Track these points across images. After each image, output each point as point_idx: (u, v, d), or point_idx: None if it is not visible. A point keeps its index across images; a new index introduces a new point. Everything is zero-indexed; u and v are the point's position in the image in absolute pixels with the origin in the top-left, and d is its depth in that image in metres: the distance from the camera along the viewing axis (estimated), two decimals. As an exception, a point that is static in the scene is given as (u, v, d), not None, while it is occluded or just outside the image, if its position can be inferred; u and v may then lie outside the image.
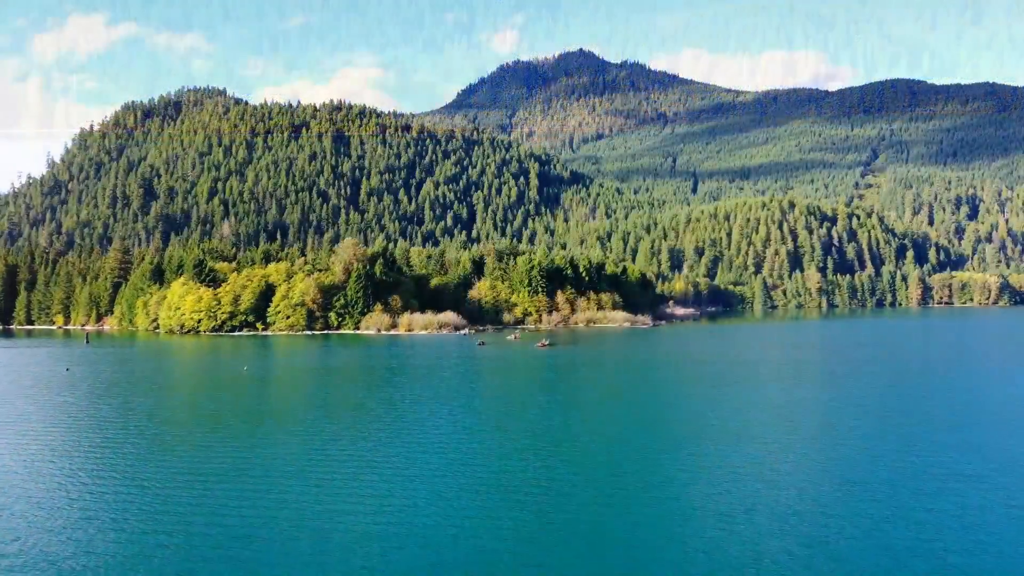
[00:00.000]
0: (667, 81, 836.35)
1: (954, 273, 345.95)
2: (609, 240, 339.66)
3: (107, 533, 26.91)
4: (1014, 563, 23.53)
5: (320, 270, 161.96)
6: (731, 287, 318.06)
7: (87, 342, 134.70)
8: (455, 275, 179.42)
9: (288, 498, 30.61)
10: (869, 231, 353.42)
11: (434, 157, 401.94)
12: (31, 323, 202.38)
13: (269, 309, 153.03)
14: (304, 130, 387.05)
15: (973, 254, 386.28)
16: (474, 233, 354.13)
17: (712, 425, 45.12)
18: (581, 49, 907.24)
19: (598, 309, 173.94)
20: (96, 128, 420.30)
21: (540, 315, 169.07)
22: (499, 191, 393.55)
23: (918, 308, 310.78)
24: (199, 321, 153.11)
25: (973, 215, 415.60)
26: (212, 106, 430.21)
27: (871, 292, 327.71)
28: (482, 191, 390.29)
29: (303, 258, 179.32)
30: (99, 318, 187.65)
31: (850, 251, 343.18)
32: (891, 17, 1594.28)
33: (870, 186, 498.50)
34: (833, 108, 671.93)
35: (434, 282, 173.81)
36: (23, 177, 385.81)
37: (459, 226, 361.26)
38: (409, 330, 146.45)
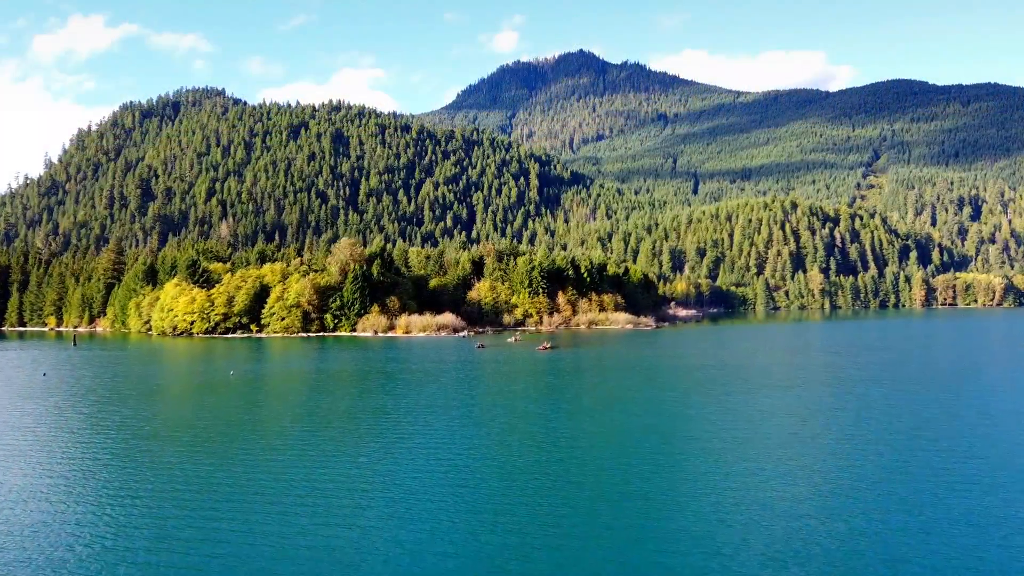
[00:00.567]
0: (667, 82, 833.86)
1: (958, 274, 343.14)
2: (610, 241, 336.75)
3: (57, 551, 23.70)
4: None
5: (316, 271, 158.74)
6: (733, 288, 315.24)
7: (74, 344, 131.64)
8: (454, 276, 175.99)
9: (255, 522, 27.41)
10: (872, 232, 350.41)
11: (434, 157, 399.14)
12: (23, 324, 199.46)
13: (264, 310, 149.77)
14: (303, 130, 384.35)
15: (976, 255, 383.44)
16: (474, 234, 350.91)
17: (725, 435, 41.96)
18: (581, 50, 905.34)
19: (600, 310, 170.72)
20: (94, 128, 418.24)
21: (541, 316, 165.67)
22: (499, 192, 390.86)
23: (922, 309, 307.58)
24: (192, 323, 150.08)
25: (976, 216, 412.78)
26: (211, 106, 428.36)
27: (874, 293, 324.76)
28: (482, 192, 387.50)
29: (299, 259, 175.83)
30: (92, 320, 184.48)
31: (853, 252, 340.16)
32: (891, 17, 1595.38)
33: (872, 187, 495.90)
34: (834, 108, 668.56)
35: (433, 283, 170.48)
36: (20, 178, 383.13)
37: (459, 227, 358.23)
38: (407, 332, 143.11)
